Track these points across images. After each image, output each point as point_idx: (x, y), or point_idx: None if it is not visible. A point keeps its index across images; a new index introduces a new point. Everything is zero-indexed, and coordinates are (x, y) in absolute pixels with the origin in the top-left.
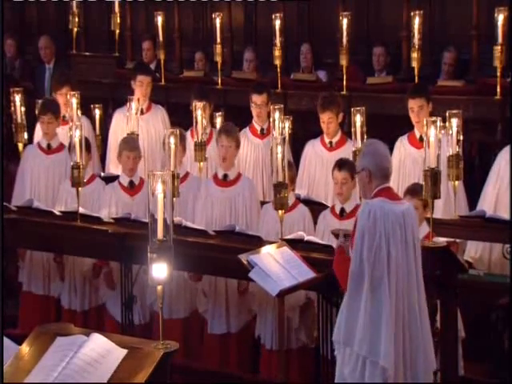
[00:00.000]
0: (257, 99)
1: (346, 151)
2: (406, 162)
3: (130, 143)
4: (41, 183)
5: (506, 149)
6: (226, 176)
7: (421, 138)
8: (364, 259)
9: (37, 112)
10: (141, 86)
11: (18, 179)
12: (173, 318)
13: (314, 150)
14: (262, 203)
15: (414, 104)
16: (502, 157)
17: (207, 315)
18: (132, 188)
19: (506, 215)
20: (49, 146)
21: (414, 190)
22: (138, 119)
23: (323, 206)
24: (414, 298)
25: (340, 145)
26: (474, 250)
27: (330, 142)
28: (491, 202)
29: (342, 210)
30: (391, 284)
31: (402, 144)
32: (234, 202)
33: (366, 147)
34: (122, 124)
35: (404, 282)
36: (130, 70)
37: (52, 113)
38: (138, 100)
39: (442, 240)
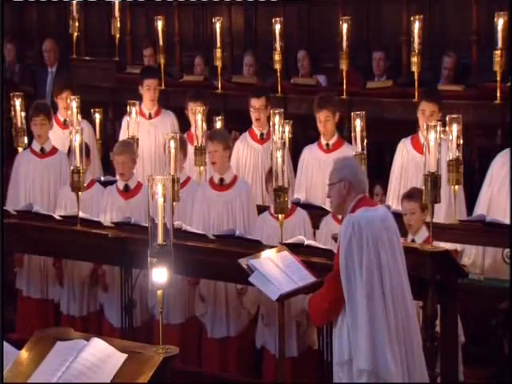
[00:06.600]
0: (255, 103)
1: (343, 153)
2: (408, 166)
3: (118, 148)
4: (36, 187)
5: (501, 153)
6: (222, 180)
7: None
8: (355, 275)
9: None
10: (149, 90)
11: (11, 185)
12: (170, 323)
13: (311, 154)
14: (262, 208)
15: (427, 107)
16: (496, 161)
17: (205, 319)
18: (127, 192)
19: (499, 218)
20: (42, 149)
21: (410, 195)
22: (138, 123)
23: (324, 211)
24: (408, 303)
25: (337, 147)
26: (466, 256)
27: (327, 144)
28: (484, 206)
29: None
30: (386, 292)
31: (405, 147)
32: (231, 205)
33: (342, 161)
34: None
35: (398, 289)
36: (137, 74)
37: (44, 114)
38: (140, 104)
39: (441, 245)
